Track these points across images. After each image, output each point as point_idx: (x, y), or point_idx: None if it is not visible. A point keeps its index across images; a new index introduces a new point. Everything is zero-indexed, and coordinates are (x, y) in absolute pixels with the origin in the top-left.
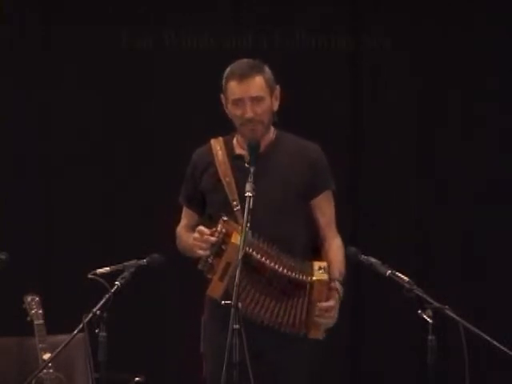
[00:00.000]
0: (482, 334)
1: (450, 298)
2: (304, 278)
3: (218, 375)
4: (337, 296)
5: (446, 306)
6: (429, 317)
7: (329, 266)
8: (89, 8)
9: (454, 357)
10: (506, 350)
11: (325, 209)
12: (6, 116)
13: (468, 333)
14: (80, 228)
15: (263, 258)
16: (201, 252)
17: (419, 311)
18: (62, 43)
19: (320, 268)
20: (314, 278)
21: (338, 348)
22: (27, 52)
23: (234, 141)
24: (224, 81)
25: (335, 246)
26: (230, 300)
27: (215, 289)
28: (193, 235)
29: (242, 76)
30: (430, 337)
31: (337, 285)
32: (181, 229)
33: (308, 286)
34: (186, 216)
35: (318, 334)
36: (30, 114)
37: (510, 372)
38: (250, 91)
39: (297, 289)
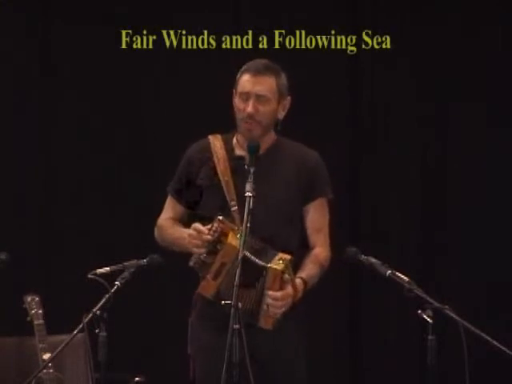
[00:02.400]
0: (482, 334)
1: (450, 298)
2: (262, 263)
3: (208, 376)
4: (290, 289)
5: (446, 306)
6: (429, 317)
7: (290, 260)
8: (89, 8)
9: (453, 357)
10: (506, 350)
11: (315, 216)
12: (5, 116)
13: (468, 333)
14: (80, 228)
15: (247, 253)
16: (195, 250)
17: (419, 311)
18: (62, 43)
19: (280, 259)
20: (269, 265)
21: (338, 348)
22: (27, 52)
23: (234, 140)
24: (238, 74)
25: (314, 256)
26: (221, 299)
27: (207, 288)
28: (187, 231)
29: (258, 72)
30: (429, 337)
31: (296, 281)
32: (164, 220)
33: (264, 273)
34: (172, 208)
35: (267, 325)
36: (29, 113)
37: (510, 372)
38: (259, 88)
39: (257, 276)
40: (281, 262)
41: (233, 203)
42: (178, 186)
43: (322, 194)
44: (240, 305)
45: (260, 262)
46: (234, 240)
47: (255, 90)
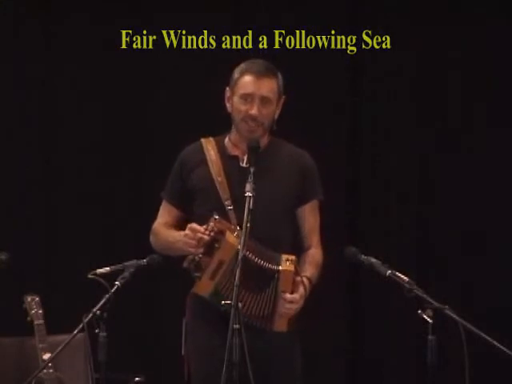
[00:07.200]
0: (482, 334)
1: (449, 298)
2: (273, 267)
3: (204, 376)
4: (302, 290)
5: (446, 306)
6: (429, 317)
7: (297, 259)
8: (89, 8)
9: (453, 357)
10: (506, 350)
11: (309, 218)
12: (6, 116)
13: (468, 333)
14: (80, 228)
15: (247, 252)
16: (191, 250)
17: (419, 311)
18: (62, 43)
19: (287, 260)
20: (281, 268)
21: (338, 348)
22: (27, 52)
23: (226, 140)
24: (237, 74)
25: (312, 256)
26: (219, 299)
27: (204, 287)
28: (183, 232)
29: (260, 73)
30: (429, 337)
31: (304, 280)
32: (159, 226)
33: (276, 276)
34: (166, 213)
35: (282, 327)
36: (30, 114)
37: (510, 372)
38: (264, 90)
39: (267, 280)
40: (288, 262)
41: (227, 203)
42: (172, 189)
43: (317, 195)
44: (242, 306)
45: (271, 266)
46: (231, 238)
47: (260, 92)
